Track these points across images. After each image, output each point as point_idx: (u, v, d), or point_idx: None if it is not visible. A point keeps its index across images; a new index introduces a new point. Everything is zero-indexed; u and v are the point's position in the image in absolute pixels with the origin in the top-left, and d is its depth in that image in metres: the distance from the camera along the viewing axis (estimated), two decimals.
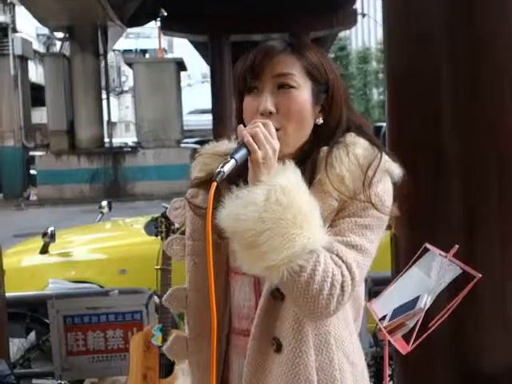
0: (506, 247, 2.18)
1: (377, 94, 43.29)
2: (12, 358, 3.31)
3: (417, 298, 1.61)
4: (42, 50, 28.89)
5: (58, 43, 24.60)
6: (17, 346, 3.52)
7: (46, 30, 25.99)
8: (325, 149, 1.29)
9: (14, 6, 20.53)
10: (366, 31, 64.53)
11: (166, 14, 19.31)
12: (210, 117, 22.96)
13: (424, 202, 2.26)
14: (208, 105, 25.51)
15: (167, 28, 19.47)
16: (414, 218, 2.25)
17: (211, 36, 18.82)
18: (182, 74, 21.79)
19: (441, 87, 2.23)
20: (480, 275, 1.46)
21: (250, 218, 1.12)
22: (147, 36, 41.81)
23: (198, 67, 40.43)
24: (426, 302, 1.58)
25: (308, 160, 1.28)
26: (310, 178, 1.25)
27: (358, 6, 20.80)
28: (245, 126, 1.27)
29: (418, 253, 1.85)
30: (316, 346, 1.30)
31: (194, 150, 14.57)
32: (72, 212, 14.97)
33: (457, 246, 1.71)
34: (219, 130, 19.30)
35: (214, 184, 1.12)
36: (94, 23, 18.23)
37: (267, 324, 1.29)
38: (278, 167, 1.19)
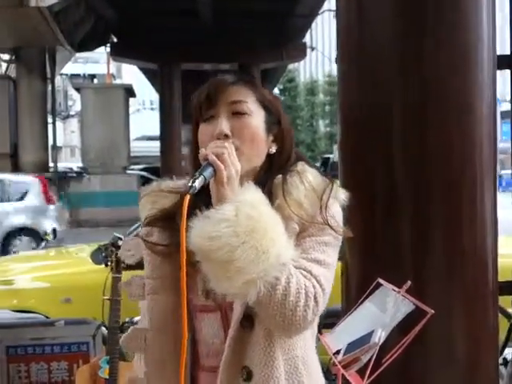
0: (452, 276, 2.23)
1: (323, 126, 44.05)
2: None
3: (371, 333, 1.63)
4: None
5: (4, 65, 24.17)
6: None
7: None
8: (279, 176, 1.35)
9: None
10: (314, 64, 65.79)
11: (116, 40, 19.27)
12: (157, 143, 22.87)
13: (375, 234, 2.31)
14: (155, 131, 25.44)
15: (117, 54, 19.41)
16: (364, 250, 2.29)
17: (161, 64, 18.85)
18: (130, 100, 21.70)
19: (390, 121, 2.30)
20: (432, 311, 1.49)
21: (223, 234, 1.14)
22: (96, 61, 41.58)
23: (145, 93, 40.33)
24: (379, 336, 1.60)
25: (264, 187, 1.32)
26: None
27: (307, 39, 21.19)
28: (197, 159, 1.30)
29: (371, 288, 1.88)
30: (286, 370, 1.33)
31: (141, 177, 14.45)
32: None
33: (409, 282, 1.75)
34: (167, 157, 19.23)
35: (188, 196, 1.14)
36: (43, 46, 18.02)
37: (237, 355, 1.30)
38: (241, 187, 1.23)
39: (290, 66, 35.28)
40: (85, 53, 24.40)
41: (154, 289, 1.36)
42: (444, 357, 2.17)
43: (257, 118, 1.33)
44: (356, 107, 2.39)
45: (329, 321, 2.91)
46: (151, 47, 17.55)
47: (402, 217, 2.30)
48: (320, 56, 50.54)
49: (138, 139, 34.05)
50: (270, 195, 1.31)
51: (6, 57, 20.79)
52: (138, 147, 30.18)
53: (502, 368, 2.75)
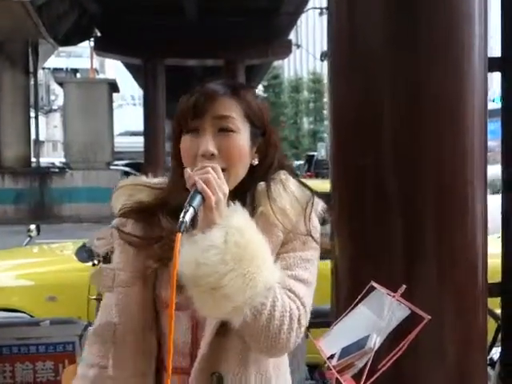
0: (443, 279, 2.23)
1: (307, 123, 44.12)
2: None
3: (366, 338, 1.63)
4: None
5: None
6: None
7: None
8: (262, 183, 1.35)
9: None
10: (299, 61, 65.85)
11: (99, 34, 19.14)
12: (140, 139, 22.78)
13: (364, 235, 2.30)
14: (138, 127, 25.36)
15: (101, 49, 19.30)
16: (354, 251, 2.29)
17: (146, 59, 18.76)
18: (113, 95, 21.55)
19: (381, 122, 2.29)
20: (429, 317, 1.49)
21: (211, 261, 1.13)
22: (79, 55, 41.31)
23: (129, 88, 40.14)
24: (375, 342, 1.59)
25: (246, 194, 1.33)
26: (250, 211, 1.29)
27: (292, 36, 21.21)
28: (181, 165, 1.31)
29: (364, 291, 1.88)
30: (257, 378, 1.33)
31: (125, 173, 14.34)
32: None
33: (404, 286, 1.74)
34: (151, 152, 19.16)
35: (179, 235, 1.12)
36: (25, 40, 17.84)
37: (210, 361, 1.29)
38: (228, 209, 1.22)
39: (275, 63, 35.28)
40: (68, 47, 24.21)
41: (124, 281, 1.34)
42: (434, 359, 2.17)
43: (243, 134, 1.32)
44: (347, 107, 2.38)
45: (316, 320, 2.92)
46: (135, 42, 17.47)
47: (392, 218, 2.29)
48: (304, 53, 50.62)
49: (121, 134, 33.91)
50: (253, 202, 1.32)
51: None
52: (121, 143, 30.07)
53: (489, 369, 2.76)
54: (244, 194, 1.33)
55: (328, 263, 2.24)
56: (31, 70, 18.94)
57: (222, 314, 1.18)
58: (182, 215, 1.14)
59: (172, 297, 1.09)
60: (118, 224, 1.38)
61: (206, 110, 1.29)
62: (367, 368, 1.54)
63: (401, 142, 2.26)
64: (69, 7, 17.35)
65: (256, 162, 1.36)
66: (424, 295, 2.19)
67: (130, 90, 42.76)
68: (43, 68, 30.19)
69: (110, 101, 19.40)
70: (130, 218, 1.37)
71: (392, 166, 2.28)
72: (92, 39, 19.58)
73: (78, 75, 41.17)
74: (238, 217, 1.20)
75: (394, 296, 1.66)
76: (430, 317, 1.49)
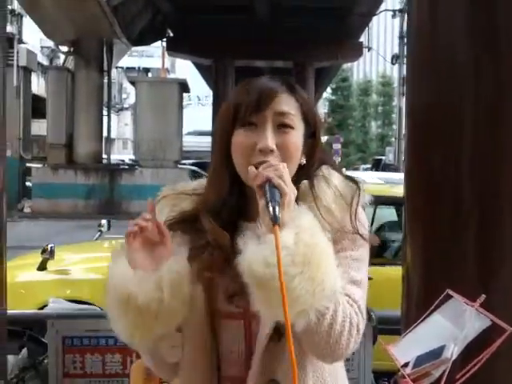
0: None
1: (375, 127, 43.58)
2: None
3: (442, 347, 1.58)
4: (45, 62, 29.00)
5: (62, 56, 24.70)
6: (11, 364, 3.46)
7: (50, 43, 26.12)
8: (305, 182, 1.31)
9: (21, 16, 20.65)
10: (368, 63, 65.14)
11: (172, 34, 19.46)
12: (207, 139, 23.02)
13: (439, 240, 2.24)
14: (205, 126, 25.61)
15: (172, 49, 19.62)
16: (428, 257, 2.23)
17: (216, 59, 18.96)
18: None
19: (462, 128, 2.23)
20: (511, 329, 1.43)
21: (283, 262, 1.10)
22: (150, 55, 42.14)
23: (198, 88, 40.68)
24: (452, 352, 1.55)
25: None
26: None
27: (362, 38, 20.99)
28: (228, 159, 1.28)
29: (439, 299, 1.82)
30: (314, 382, 1.31)
31: (192, 172, 14.53)
32: (66, 227, 14.88)
33: (484, 296, 1.68)
34: None
35: (277, 228, 1.10)
36: (101, 39, 18.32)
37: (265, 368, 1.27)
38: (295, 209, 1.19)
39: (344, 65, 35.02)
40: (140, 46, 24.73)
41: None
42: None
43: (299, 132, 1.30)
44: (425, 109, 2.33)
45: (386, 327, 2.86)
46: (206, 43, 17.68)
47: (468, 225, 2.22)
48: (374, 56, 50.03)
49: (189, 134, 34.37)
50: (297, 202, 1.26)
51: (65, 49, 21.24)
52: (189, 142, 30.47)
53: None
54: None
55: None
56: (105, 68, 19.45)
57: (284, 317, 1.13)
58: (271, 209, 1.12)
59: (282, 291, 1.08)
60: None
61: (267, 105, 1.26)
62: (444, 378, 1.50)
63: (480, 145, 2.19)
64: (143, 7, 17.72)
65: (304, 161, 1.32)
66: (501, 306, 2.12)
67: (200, 90, 43.34)
68: (116, 67, 30.95)
69: (180, 100, 19.70)
70: (177, 230, 1.32)
71: (469, 174, 2.21)
72: (164, 39, 19.92)
73: (150, 74, 42.03)
74: (306, 217, 1.18)
75: (473, 306, 1.61)
76: (511, 328, 1.43)
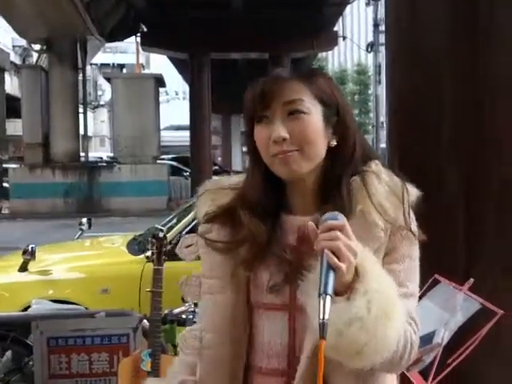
0: (507, 274, 2.17)
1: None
2: None
3: (433, 333, 1.57)
4: (17, 61, 28.66)
5: (35, 55, 24.43)
6: None
7: (22, 42, 25.81)
8: (356, 178, 1.28)
9: None
10: (343, 52, 65.29)
11: (146, 29, 19.31)
12: (185, 133, 22.89)
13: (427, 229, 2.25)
14: (183, 121, 25.47)
15: (147, 44, 19.46)
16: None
17: (191, 53, 18.84)
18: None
19: (442, 110, 2.23)
20: (502, 311, 1.43)
21: (354, 333, 1.12)
22: (124, 51, 41.78)
23: (174, 83, 40.45)
24: (443, 337, 1.54)
25: (340, 187, 1.27)
26: (348, 209, 1.24)
27: (337, 27, 20.99)
28: (258, 157, 1.28)
29: (427, 284, 1.82)
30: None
31: (171, 167, 14.48)
32: (45, 227, 14.74)
33: (472, 280, 1.68)
34: (197, 146, 19.27)
35: (323, 343, 1.08)
36: (74, 36, 18.13)
37: (316, 365, 1.23)
38: (362, 258, 1.16)
39: (319, 55, 35.05)
40: (114, 43, 24.52)
41: (211, 288, 1.32)
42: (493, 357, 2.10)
43: (315, 115, 1.27)
44: (406, 100, 2.33)
45: None
46: (181, 37, 17.55)
47: (454, 212, 2.23)
48: (349, 44, 50.10)
49: (166, 129, 34.20)
50: (349, 199, 1.26)
51: (38, 47, 21.00)
52: (167, 137, 30.34)
53: None
54: (336, 186, 1.27)
55: None
56: (80, 66, 19.26)
57: (362, 365, 1.16)
58: (321, 307, 1.09)
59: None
60: (202, 231, 1.34)
61: (273, 97, 1.26)
62: (436, 363, 1.49)
63: (461, 136, 2.19)
64: (116, 3, 17.56)
65: (334, 142, 1.29)
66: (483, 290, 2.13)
67: (176, 85, 43.09)
68: (91, 64, 30.66)
69: (157, 95, 19.58)
70: (215, 224, 1.33)
71: (453, 157, 2.21)
72: (138, 34, 19.77)
73: (125, 70, 41.70)
74: (374, 275, 1.16)
75: (461, 290, 1.60)
76: (502, 311, 1.43)
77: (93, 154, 26.39)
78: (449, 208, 2.28)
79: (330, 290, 1.11)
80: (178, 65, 25.02)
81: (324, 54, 41.10)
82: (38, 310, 3.38)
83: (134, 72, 35.14)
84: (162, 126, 23.57)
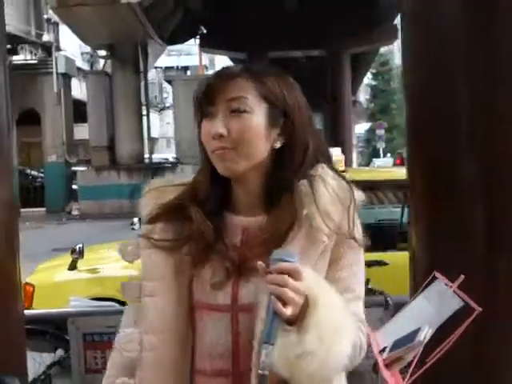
0: None
1: None
2: (35, 374, 3.33)
3: (417, 330, 1.55)
4: (86, 67, 29.51)
5: (101, 61, 25.11)
6: (38, 362, 3.55)
7: (89, 48, 26.56)
8: (305, 182, 1.26)
9: (57, 24, 21.05)
10: None
11: (205, 31, 19.55)
12: None
13: (442, 223, 2.20)
14: None
15: (206, 45, 19.72)
16: (434, 240, 2.20)
17: (250, 53, 18.94)
18: None
19: (457, 105, 2.18)
20: (480, 309, 1.39)
21: (308, 365, 1.13)
22: (188, 53, 42.34)
23: None
24: (425, 334, 1.51)
25: (285, 191, 1.26)
26: (293, 213, 1.24)
27: (397, 21, 20.65)
28: (203, 149, 1.30)
29: (427, 281, 1.78)
30: None
31: None
32: (112, 227, 15.12)
33: (462, 277, 1.64)
34: None
35: (269, 376, 1.13)
36: (135, 41, 18.54)
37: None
38: (311, 287, 1.16)
39: (383, 50, 34.54)
40: (178, 45, 24.91)
41: (152, 291, 1.29)
42: None
43: (258, 114, 1.25)
44: (423, 89, 2.28)
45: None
46: (238, 37, 17.67)
47: (471, 206, 2.18)
48: None
49: None
50: (294, 203, 1.24)
51: (103, 53, 21.58)
52: None
53: None
54: (284, 189, 1.26)
55: None
56: (142, 69, 19.68)
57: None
58: (262, 357, 1.11)
59: None
60: (145, 232, 1.32)
61: (217, 93, 1.26)
62: (414, 362, 1.46)
63: (477, 134, 2.13)
64: (174, 6, 17.83)
65: (278, 144, 1.27)
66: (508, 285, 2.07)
67: None
68: (155, 67, 31.26)
69: None
70: (158, 223, 1.31)
71: (469, 153, 2.15)
72: (198, 36, 20.03)
73: (189, 73, 42.30)
74: (326, 303, 1.16)
75: (450, 286, 1.57)
76: (481, 309, 1.39)
77: (159, 155, 26.90)
78: (468, 204, 2.22)
79: (273, 338, 1.11)
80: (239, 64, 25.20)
81: (390, 47, 40.45)
82: (75, 306, 3.49)
83: (197, 74, 35.57)
84: None
